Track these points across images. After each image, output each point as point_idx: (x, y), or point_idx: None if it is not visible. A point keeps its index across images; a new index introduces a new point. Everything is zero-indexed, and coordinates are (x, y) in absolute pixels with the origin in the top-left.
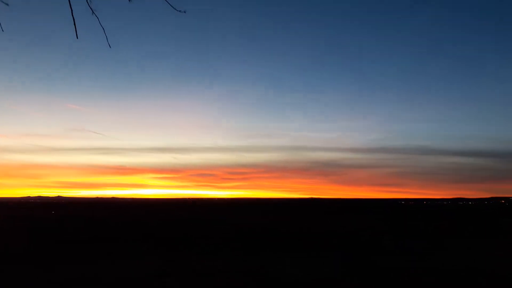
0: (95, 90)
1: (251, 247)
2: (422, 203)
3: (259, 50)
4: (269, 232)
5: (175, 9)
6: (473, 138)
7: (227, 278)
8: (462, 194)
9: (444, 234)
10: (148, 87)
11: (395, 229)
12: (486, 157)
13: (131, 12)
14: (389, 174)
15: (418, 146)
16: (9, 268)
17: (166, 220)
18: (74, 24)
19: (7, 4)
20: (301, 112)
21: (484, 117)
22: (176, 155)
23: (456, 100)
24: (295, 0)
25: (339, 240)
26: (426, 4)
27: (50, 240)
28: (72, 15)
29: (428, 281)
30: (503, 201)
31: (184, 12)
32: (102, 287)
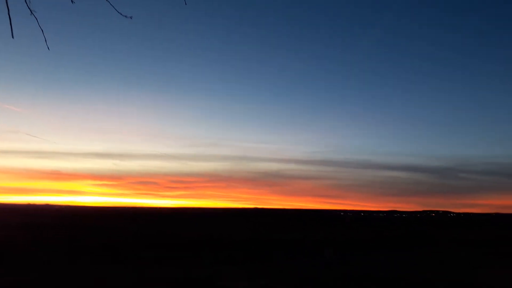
0: (32, 91)
1: (199, 258)
2: (360, 214)
3: (206, 59)
4: (210, 242)
5: (120, 14)
6: (408, 154)
7: None
8: (397, 207)
9: (374, 245)
10: (89, 91)
11: (334, 240)
12: (420, 172)
13: (73, 14)
14: (330, 186)
15: (357, 160)
16: None
17: (103, 230)
18: (10, 24)
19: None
20: (247, 123)
21: (418, 135)
22: (117, 161)
23: (393, 118)
24: (243, 11)
25: (283, 251)
26: (373, 24)
27: None
28: (9, 14)
29: None
30: (433, 214)
31: (131, 17)
32: None
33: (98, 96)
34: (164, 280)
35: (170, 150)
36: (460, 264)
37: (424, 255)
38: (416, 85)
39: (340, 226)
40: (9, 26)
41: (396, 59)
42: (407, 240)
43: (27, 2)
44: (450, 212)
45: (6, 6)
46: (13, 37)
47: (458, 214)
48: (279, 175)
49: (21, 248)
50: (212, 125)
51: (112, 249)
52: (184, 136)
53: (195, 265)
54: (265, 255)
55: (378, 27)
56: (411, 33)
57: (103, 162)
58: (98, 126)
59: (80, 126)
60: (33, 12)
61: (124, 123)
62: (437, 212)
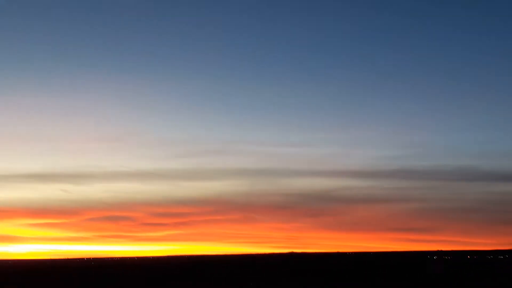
0: None
1: None
2: (465, 257)
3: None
4: None
5: None
6: None
7: None
8: None
9: None
10: (18, 82)
11: None
12: None
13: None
14: (413, 212)
15: (458, 168)
16: None
17: None
18: None
19: None
20: (273, 116)
21: None
22: (67, 185)
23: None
24: (253, 4)
25: None
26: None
27: None
28: None
29: None
30: None
31: None
32: None
33: (31, 88)
34: None
35: (151, 164)
36: None
37: None
38: None
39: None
40: None
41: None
42: None
43: None
44: None
45: None
46: None
47: None
48: (329, 198)
49: None
50: (217, 122)
51: None
52: (172, 140)
53: None
54: None
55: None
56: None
57: (46, 189)
58: (35, 132)
59: (6, 135)
60: None
61: (76, 124)
62: None
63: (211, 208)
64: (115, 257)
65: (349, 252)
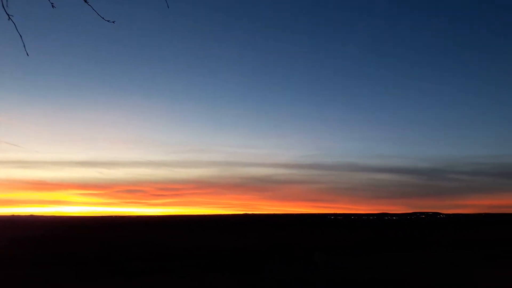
0: (13, 99)
1: (190, 268)
2: (350, 218)
3: (192, 63)
4: (198, 251)
5: (103, 18)
6: (397, 156)
7: None
8: (387, 210)
9: (365, 249)
10: (72, 98)
11: (325, 244)
12: (408, 174)
13: (54, 19)
14: (320, 189)
15: (347, 163)
16: None
17: (90, 241)
18: None
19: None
20: (235, 128)
21: (406, 136)
22: (102, 169)
23: (382, 121)
24: (230, 16)
25: (274, 257)
26: (360, 28)
27: None
28: None
29: None
30: (423, 216)
31: (113, 22)
32: None
33: (81, 103)
34: None
35: (157, 157)
36: (453, 266)
37: (415, 257)
38: (403, 88)
39: (331, 230)
40: None
41: (382, 62)
42: (398, 242)
43: (4, 7)
44: (439, 213)
45: None
46: None
47: (448, 215)
48: (269, 180)
49: (6, 263)
50: (199, 130)
51: (98, 261)
52: (170, 142)
53: (183, 275)
54: (255, 263)
55: (364, 31)
56: (397, 37)
57: (88, 171)
58: (83, 134)
59: (63, 134)
60: (10, 17)
61: (109, 130)
62: (427, 213)
63: (194, 185)
64: (132, 216)
65: (280, 214)
